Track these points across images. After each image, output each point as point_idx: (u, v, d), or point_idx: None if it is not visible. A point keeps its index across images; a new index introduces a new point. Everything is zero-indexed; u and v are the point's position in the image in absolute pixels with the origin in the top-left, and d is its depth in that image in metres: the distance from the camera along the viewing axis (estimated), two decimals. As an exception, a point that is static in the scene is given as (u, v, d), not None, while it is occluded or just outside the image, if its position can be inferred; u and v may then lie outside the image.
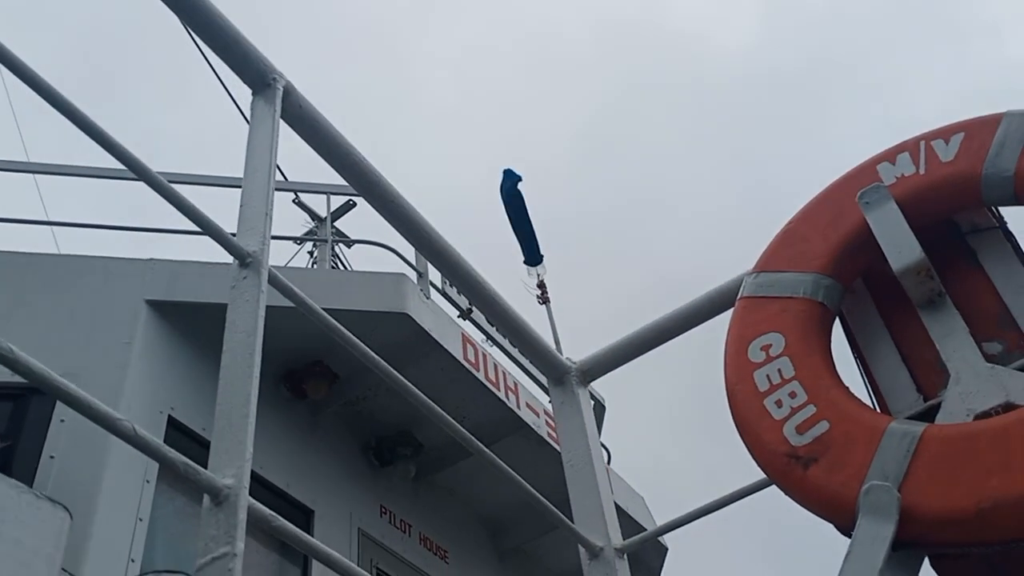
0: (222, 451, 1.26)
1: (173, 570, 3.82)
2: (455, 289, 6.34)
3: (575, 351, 2.89)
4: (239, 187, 1.74)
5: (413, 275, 6.05)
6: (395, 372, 2.05)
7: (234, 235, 1.65)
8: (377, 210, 2.19)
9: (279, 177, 7.34)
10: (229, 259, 1.58)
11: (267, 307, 1.52)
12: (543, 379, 6.93)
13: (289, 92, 1.86)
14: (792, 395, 1.93)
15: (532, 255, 8.98)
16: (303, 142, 2.03)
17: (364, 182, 2.10)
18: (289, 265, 7.62)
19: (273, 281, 1.55)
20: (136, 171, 1.44)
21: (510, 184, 7.92)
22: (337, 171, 2.06)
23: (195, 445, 4.48)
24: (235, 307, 1.45)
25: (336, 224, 8.00)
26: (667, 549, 7.16)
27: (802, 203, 2.24)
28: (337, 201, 7.96)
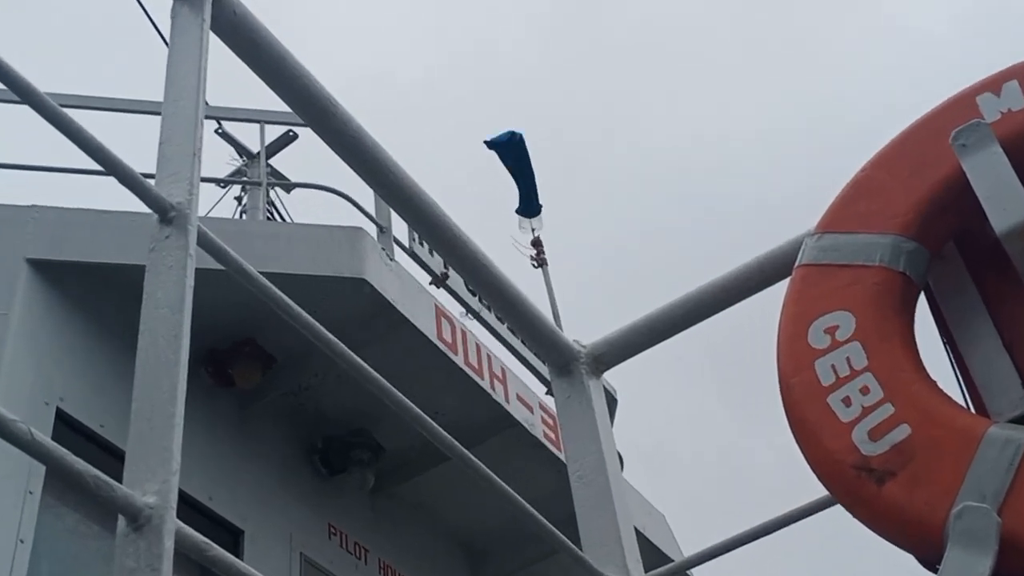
0: (141, 461, 1.26)
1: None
2: (427, 248, 6.34)
3: (579, 329, 2.90)
4: (156, 113, 1.73)
5: (372, 229, 6.04)
6: (350, 352, 2.05)
7: (148, 176, 1.65)
8: (331, 145, 2.18)
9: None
10: (135, 206, 1.58)
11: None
12: (540, 366, 6.99)
13: (221, -6, 1.85)
14: (864, 391, 1.94)
15: (528, 203, 8.98)
16: (233, 58, 2.01)
17: (314, 109, 2.09)
18: (210, 215, 7.59)
19: (204, 242, 1.55)
20: (18, 91, 1.42)
21: (501, 150, 7.96)
22: (282, 96, 2.05)
23: (92, 447, 4.49)
24: (155, 275, 1.45)
25: (271, 162, 7.97)
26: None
27: (880, 143, 2.24)
28: (273, 133, 7.93)
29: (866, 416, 1.91)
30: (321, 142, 2.20)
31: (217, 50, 1.93)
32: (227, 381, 5.40)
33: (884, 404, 1.91)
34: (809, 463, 1.97)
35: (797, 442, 2.00)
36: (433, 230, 2.37)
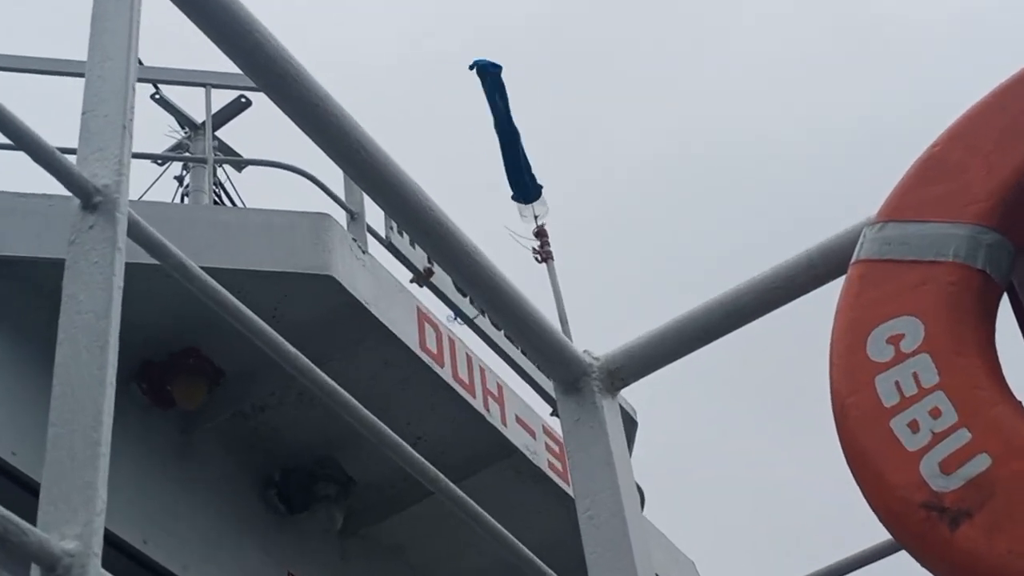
0: (59, 498, 1.26)
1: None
2: (407, 238, 6.35)
3: (592, 338, 2.90)
4: (80, 75, 1.73)
5: (342, 216, 6.05)
6: (313, 367, 2.06)
7: (66, 151, 1.65)
8: (290, 114, 2.18)
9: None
10: (53, 188, 1.58)
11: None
12: (545, 382, 7.00)
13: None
14: (935, 413, 1.94)
15: (524, 187, 8.98)
16: (171, 7, 2.01)
17: (273, 73, 2.09)
18: (145, 199, 7.61)
19: (136, 233, 1.55)
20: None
21: (490, 80, 7.94)
22: (230, 54, 2.05)
23: (2, 479, 4.50)
24: (77, 273, 1.45)
25: (219, 135, 7.98)
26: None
27: (958, 112, 2.25)
28: (222, 99, 7.95)
29: (937, 444, 1.91)
30: (279, 113, 2.20)
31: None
32: (165, 400, 5.41)
33: (959, 430, 1.91)
34: (868, 500, 1.97)
35: (853, 475, 2.00)
36: (413, 217, 2.37)
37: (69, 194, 1.56)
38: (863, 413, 2.00)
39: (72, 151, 1.68)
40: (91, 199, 1.52)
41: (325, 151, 2.26)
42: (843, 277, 2.26)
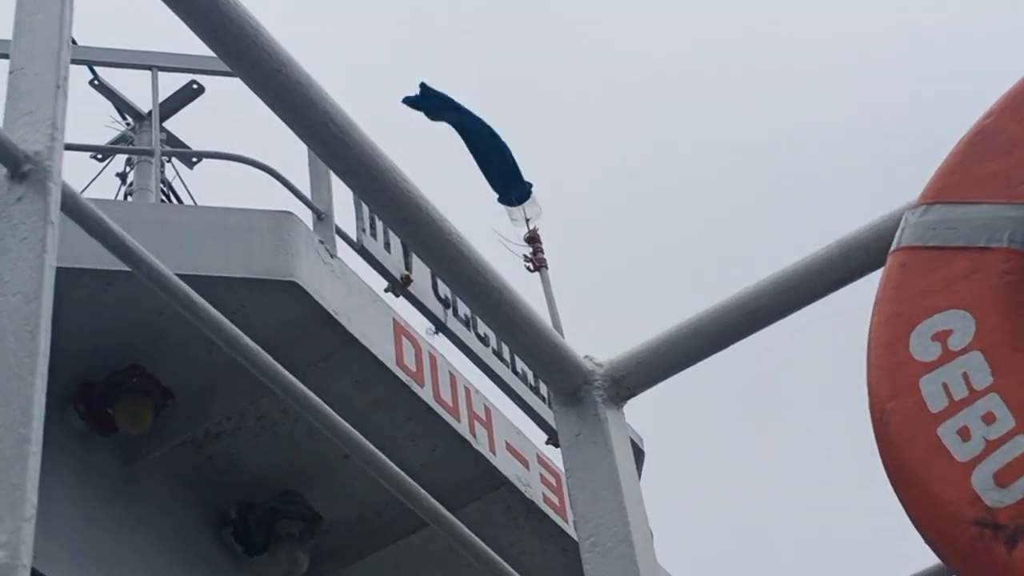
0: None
1: None
2: (382, 242, 6.34)
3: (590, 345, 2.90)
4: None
5: (308, 217, 6.05)
6: (291, 376, 2.05)
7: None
8: (251, 84, 2.18)
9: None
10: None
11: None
12: (540, 407, 6.99)
13: None
14: (988, 419, 1.94)
15: (509, 186, 8.99)
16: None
17: (229, 34, 2.08)
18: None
19: (71, 208, 1.55)
20: None
21: (427, 99, 7.97)
22: (183, 18, 2.04)
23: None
24: (3, 250, 1.45)
25: (167, 125, 7.97)
26: None
27: (1011, 82, 2.25)
28: (170, 85, 7.93)
29: (991, 453, 1.91)
30: (236, 100, 2.20)
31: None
32: (106, 424, 5.40)
33: (1016, 436, 1.91)
34: (912, 518, 1.97)
35: (895, 489, 2.00)
36: (389, 202, 2.36)
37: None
38: (906, 420, 2.00)
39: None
40: (20, 167, 1.52)
41: (288, 124, 2.25)
42: (881, 269, 2.26)
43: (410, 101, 7.89)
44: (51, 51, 1.65)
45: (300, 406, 2.12)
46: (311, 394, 2.12)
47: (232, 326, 1.94)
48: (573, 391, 2.64)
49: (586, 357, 2.70)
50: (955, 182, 2.22)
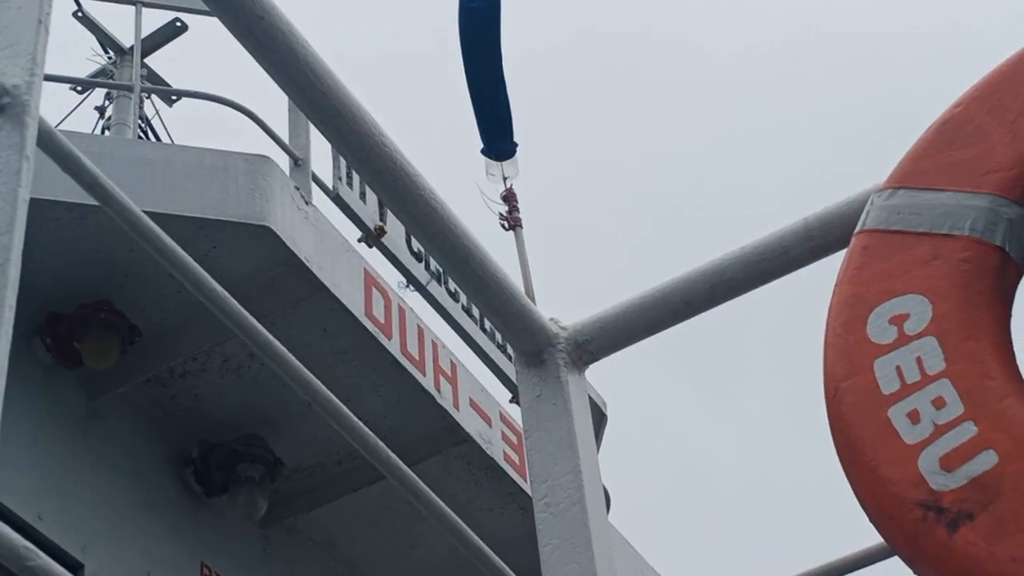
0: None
1: None
2: (357, 191, 6.33)
3: (559, 310, 2.91)
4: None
5: (284, 161, 6.04)
6: (256, 324, 2.06)
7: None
8: (232, 29, 2.18)
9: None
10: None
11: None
12: (508, 367, 6.98)
13: None
14: (938, 403, 1.96)
15: (497, 140, 8.95)
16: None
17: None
18: (60, 128, 7.55)
19: (47, 143, 1.55)
20: None
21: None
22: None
23: None
24: (-25, 182, 1.45)
25: (148, 61, 7.93)
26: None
27: (982, 72, 2.26)
28: (152, 21, 7.89)
29: (939, 437, 1.93)
30: (218, 40, 2.20)
31: None
32: (72, 358, 5.40)
33: (964, 422, 1.93)
34: (858, 497, 1.98)
35: (843, 467, 2.01)
36: (364, 153, 2.37)
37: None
38: (858, 399, 2.02)
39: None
40: (-3, 99, 1.52)
41: (268, 71, 2.25)
42: (844, 250, 2.27)
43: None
44: (33, -17, 1.64)
45: (263, 352, 2.13)
46: (274, 340, 2.13)
47: (199, 268, 1.95)
48: (536, 352, 2.66)
49: (551, 319, 2.72)
50: (921, 168, 2.23)
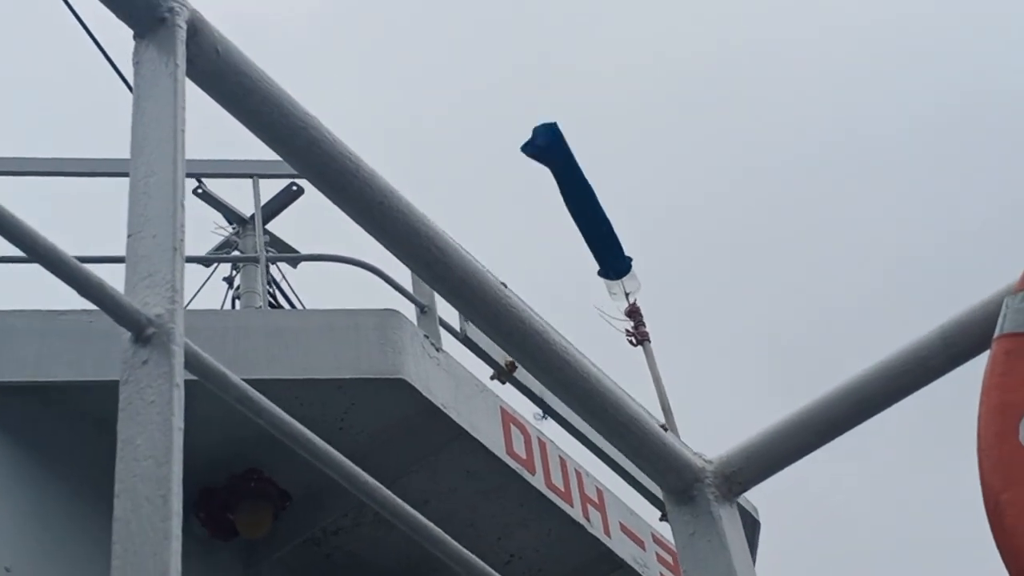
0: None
1: None
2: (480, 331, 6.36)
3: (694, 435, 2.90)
4: (122, 174, 1.78)
5: (412, 311, 6.10)
6: (382, 488, 2.08)
7: (86, 261, 1.68)
8: (354, 216, 2.24)
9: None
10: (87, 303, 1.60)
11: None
12: (648, 483, 6.91)
13: (198, 29, 1.91)
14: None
15: (611, 259, 8.97)
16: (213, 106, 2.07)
17: (331, 171, 2.15)
18: (191, 307, 7.71)
19: (194, 365, 1.58)
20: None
21: (546, 140, 7.91)
22: (286, 158, 2.11)
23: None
24: (132, 415, 1.48)
25: (269, 227, 8.10)
26: None
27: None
28: (270, 190, 8.06)
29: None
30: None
31: (193, 94, 1.98)
32: (227, 530, 5.45)
33: None
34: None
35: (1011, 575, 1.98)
36: (494, 318, 2.40)
37: (93, 312, 1.59)
38: (1022, 511, 1.99)
39: (90, 260, 1.73)
40: (143, 331, 1.55)
41: (391, 250, 2.30)
42: (985, 353, 2.25)
43: (533, 146, 7.81)
44: (167, 213, 1.68)
45: (391, 515, 2.14)
46: (400, 501, 2.13)
47: (328, 447, 1.97)
48: (685, 489, 2.64)
49: (696, 454, 2.70)
50: None
